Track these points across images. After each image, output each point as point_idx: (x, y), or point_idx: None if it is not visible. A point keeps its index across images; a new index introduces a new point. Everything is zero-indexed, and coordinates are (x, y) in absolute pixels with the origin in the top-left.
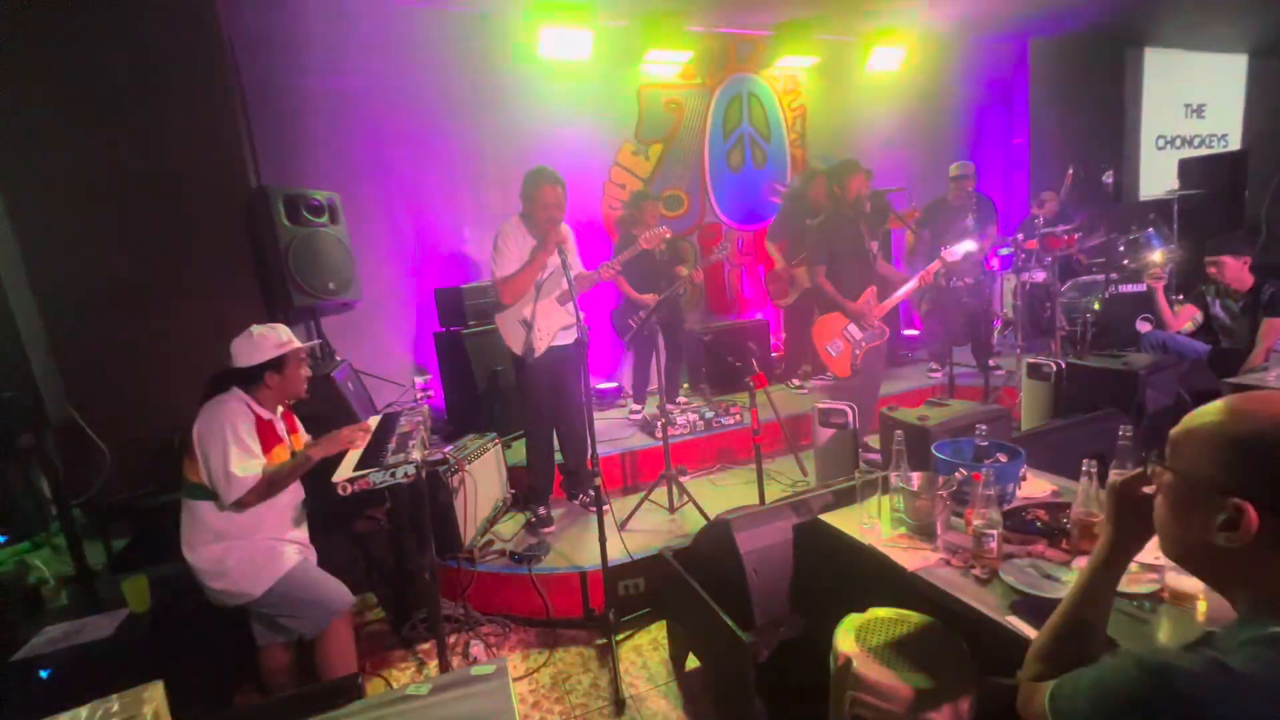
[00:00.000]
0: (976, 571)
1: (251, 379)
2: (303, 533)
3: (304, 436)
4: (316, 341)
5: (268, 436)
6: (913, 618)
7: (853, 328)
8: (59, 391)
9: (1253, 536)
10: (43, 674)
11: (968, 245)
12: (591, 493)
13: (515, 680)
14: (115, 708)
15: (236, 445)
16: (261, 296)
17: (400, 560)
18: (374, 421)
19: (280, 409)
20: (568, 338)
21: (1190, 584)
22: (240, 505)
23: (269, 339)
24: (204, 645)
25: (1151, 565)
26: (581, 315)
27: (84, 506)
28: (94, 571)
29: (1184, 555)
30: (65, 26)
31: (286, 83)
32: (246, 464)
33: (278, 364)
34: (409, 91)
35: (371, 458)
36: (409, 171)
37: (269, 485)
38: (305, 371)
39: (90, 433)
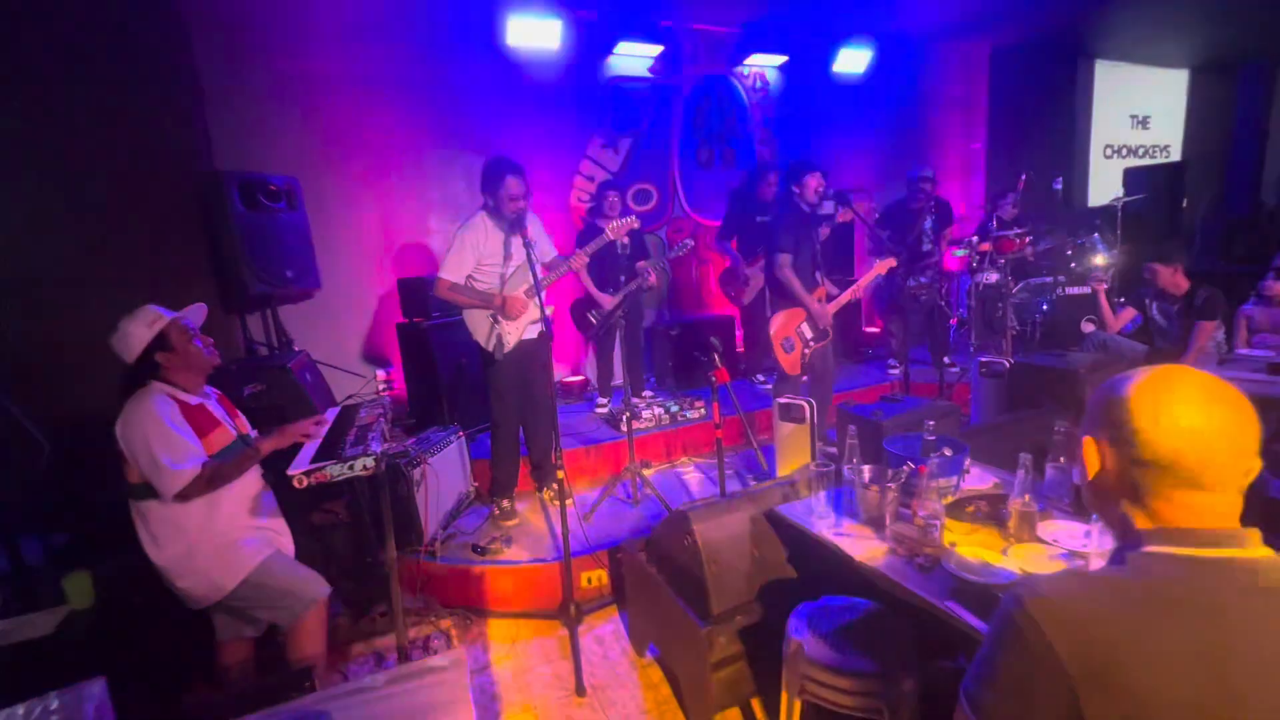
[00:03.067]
0: (920, 560)
1: (150, 369)
2: (276, 521)
3: (247, 425)
4: (201, 306)
5: (200, 420)
6: (862, 605)
7: (805, 326)
8: None
9: (1099, 469)
10: None
11: (890, 262)
12: (556, 485)
13: (476, 672)
14: (55, 705)
15: (163, 439)
16: (215, 284)
17: (360, 553)
18: (332, 414)
19: (214, 394)
20: (534, 331)
21: None
22: (183, 498)
23: (138, 324)
24: (152, 641)
25: (1079, 552)
26: (549, 310)
27: (20, 501)
28: (32, 568)
29: (1089, 501)
30: (7, 4)
31: (245, 65)
32: (178, 455)
33: (161, 343)
34: (373, 78)
35: (330, 450)
36: (372, 159)
37: (212, 477)
38: (203, 341)
39: (27, 424)
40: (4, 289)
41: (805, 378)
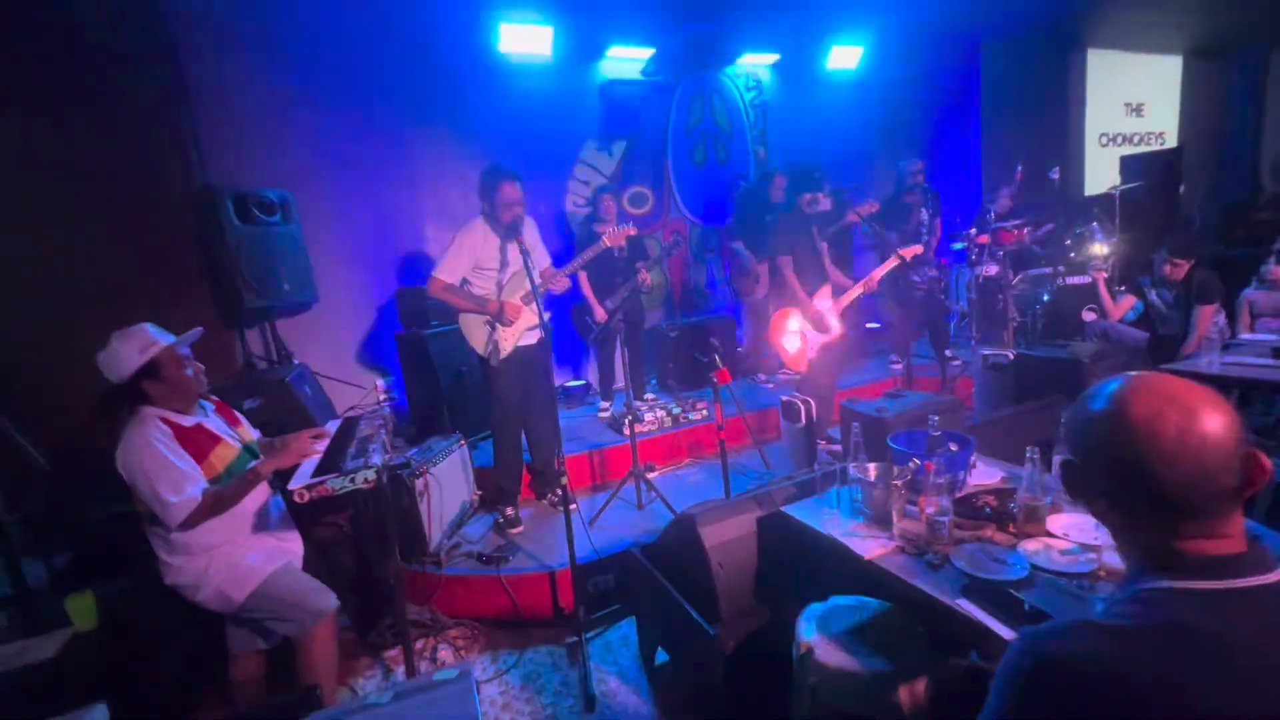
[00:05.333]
0: (930, 557)
1: (133, 393)
2: (287, 531)
3: (250, 430)
4: (198, 331)
5: (199, 441)
6: (871, 604)
7: (808, 324)
8: None
9: (1084, 495)
10: None
11: (917, 249)
12: (560, 491)
13: (485, 682)
14: None
15: (162, 471)
16: (212, 299)
17: (364, 566)
18: (333, 426)
19: (211, 406)
20: (533, 337)
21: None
22: (187, 527)
23: (129, 345)
24: (159, 662)
25: (1090, 545)
26: (547, 315)
27: (22, 523)
28: (35, 591)
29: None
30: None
31: (236, 79)
32: (180, 488)
33: (150, 370)
34: (365, 87)
35: (331, 463)
36: (367, 169)
37: (214, 504)
38: (193, 368)
39: (26, 444)
40: (0, 308)
41: (825, 380)
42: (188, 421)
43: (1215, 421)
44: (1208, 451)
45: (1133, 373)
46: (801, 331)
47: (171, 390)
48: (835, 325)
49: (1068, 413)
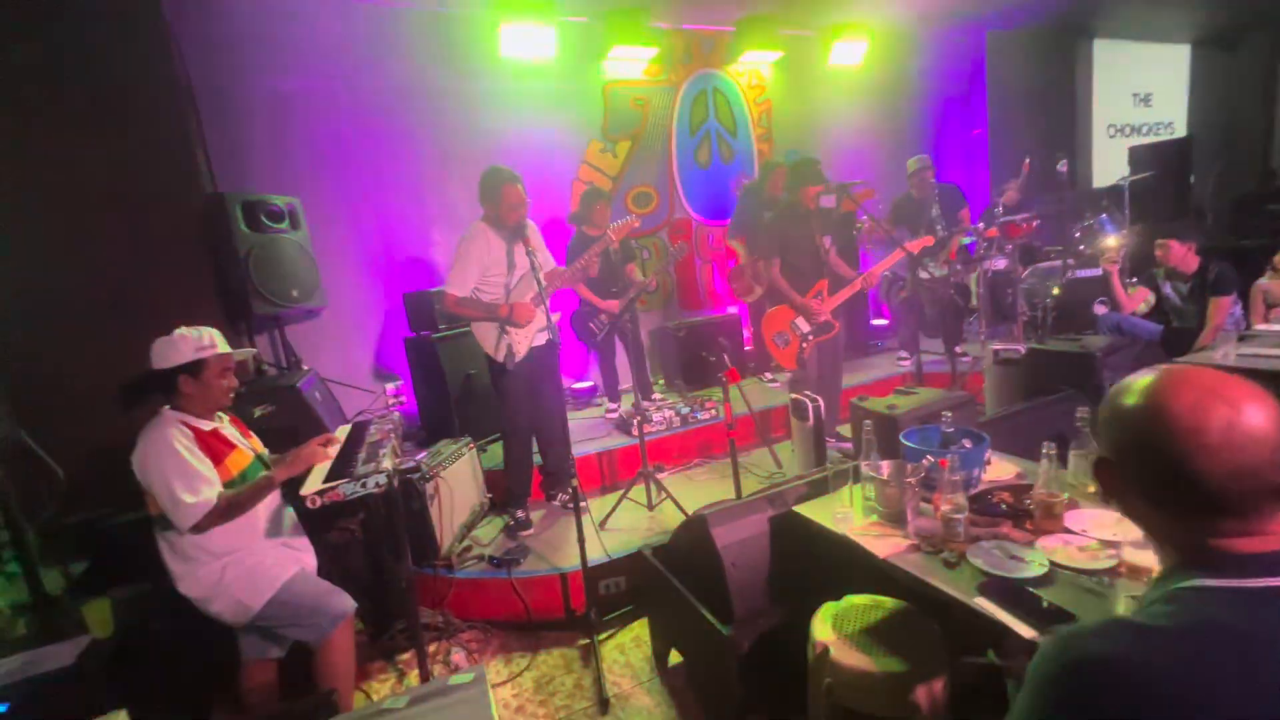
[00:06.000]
0: (945, 555)
1: (167, 385)
2: (299, 538)
3: (260, 445)
4: (252, 351)
5: (215, 446)
6: (886, 603)
7: (800, 321)
8: (8, 412)
9: (1119, 493)
10: (1, 708)
11: (925, 240)
12: (570, 493)
13: (498, 685)
14: None
15: (180, 472)
16: (222, 307)
17: (377, 571)
18: (343, 431)
19: (226, 417)
20: (542, 338)
21: (1146, 558)
22: (199, 530)
23: (188, 341)
24: (174, 668)
25: (1110, 541)
26: (555, 316)
27: (39, 531)
28: (53, 598)
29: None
30: (6, 30)
31: (241, 86)
32: (196, 489)
33: (194, 369)
34: (369, 92)
35: (341, 468)
36: (372, 174)
37: (228, 509)
38: (229, 381)
39: (42, 454)
40: (12, 318)
41: (816, 373)
42: (206, 426)
43: (1261, 415)
44: (1255, 446)
45: (1164, 365)
46: (791, 329)
47: (203, 394)
48: (826, 322)
49: (1100, 409)
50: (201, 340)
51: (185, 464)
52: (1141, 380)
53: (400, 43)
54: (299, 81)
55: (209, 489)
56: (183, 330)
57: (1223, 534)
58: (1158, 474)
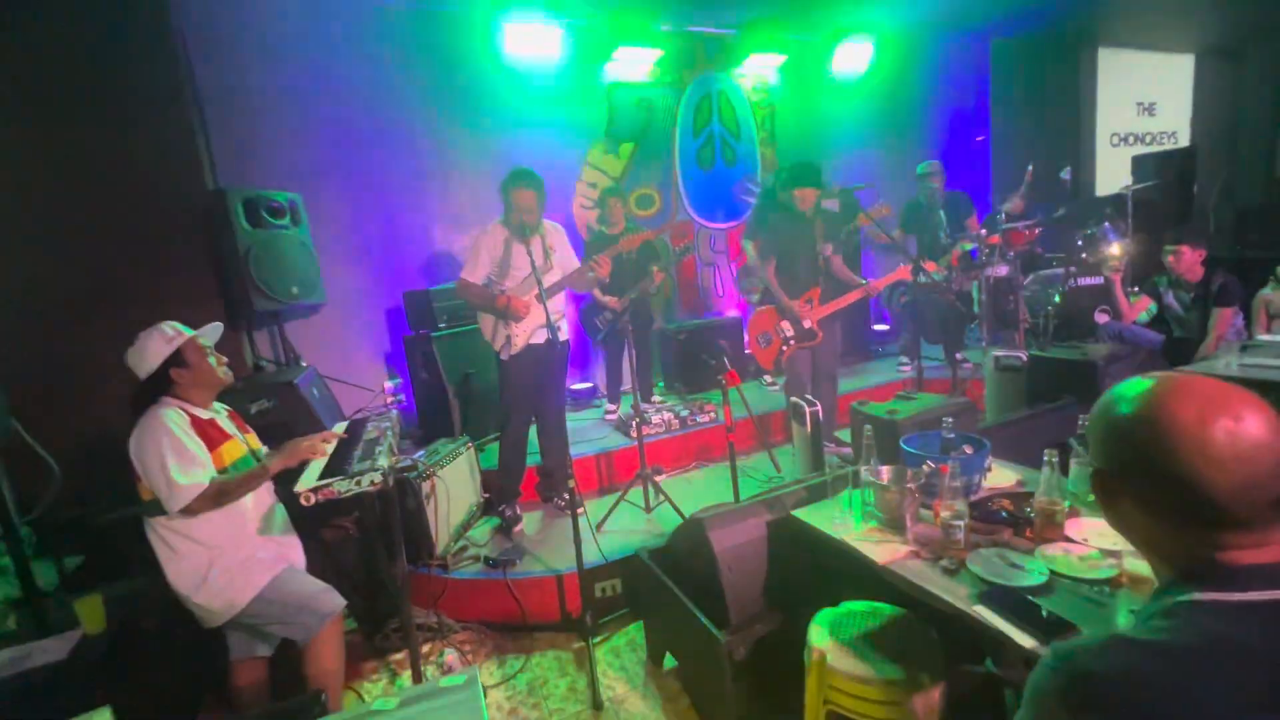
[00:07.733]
0: (945, 563)
1: (162, 384)
2: (288, 536)
3: (257, 441)
4: (214, 325)
5: (211, 433)
6: (884, 610)
7: (785, 324)
8: (2, 406)
9: (1115, 505)
10: None
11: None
12: (567, 495)
13: (492, 687)
14: None
15: (174, 450)
16: (221, 302)
17: (371, 569)
18: (340, 428)
19: (225, 410)
20: (542, 336)
21: (1148, 568)
22: (189, 513)
23: (155, 339)
24: (165, 664)
25: (1110, 550)
26: (556, 314)
27: (32, 525)
28: (45, 593)
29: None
30: (10, 24)
31: (243, 82)
32: (189, 470)
33: (177, 359)
34: (372, 90)
35: (337, 465)
36: (374, 172)
37: (219, 494)
38: (217, 358)
39: (37, 448)
40: (11, 312)
41: (796, 372)
42: (204, 414)
43: (1260, 424)
44: (1259, 456)
45: (1161, 373)
46: (778, 330)
47: (197, 377)
48: (810, 329)
49: (1092, 419)
50: (166, 333)
51: (180, 443)
52: (1135, 389)
53: (405, 41)
54: (303, 78)
55: (202, 471)
56: (143, 335)
57: (1227, 546)
58: (1162, 488)
